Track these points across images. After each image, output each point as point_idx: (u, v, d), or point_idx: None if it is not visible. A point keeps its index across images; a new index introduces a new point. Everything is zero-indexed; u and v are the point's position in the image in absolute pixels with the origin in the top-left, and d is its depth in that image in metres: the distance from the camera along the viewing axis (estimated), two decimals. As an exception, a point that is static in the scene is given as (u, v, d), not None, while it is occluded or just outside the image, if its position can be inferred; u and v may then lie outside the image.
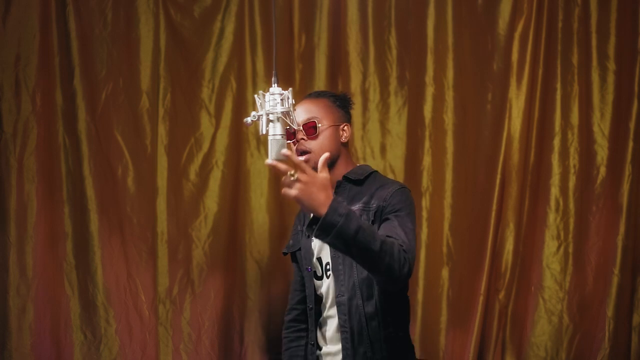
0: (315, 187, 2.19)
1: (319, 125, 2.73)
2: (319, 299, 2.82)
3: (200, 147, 3.92)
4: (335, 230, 2.21)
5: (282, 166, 2.19)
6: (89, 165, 3.79)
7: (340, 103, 2.84)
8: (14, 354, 3.69)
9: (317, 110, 2.78)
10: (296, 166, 2.18)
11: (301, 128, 2.74)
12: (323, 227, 2.21)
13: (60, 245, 3.79)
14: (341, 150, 2.81)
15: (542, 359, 3.81)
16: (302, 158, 2.73)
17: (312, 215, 2.24)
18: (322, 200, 2.20)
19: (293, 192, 2.18)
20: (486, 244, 3.84)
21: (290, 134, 2.75)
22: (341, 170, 2.79)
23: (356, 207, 2.68)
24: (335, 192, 2.75)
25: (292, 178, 2.19)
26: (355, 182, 2.74)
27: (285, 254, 2.99)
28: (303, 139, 2.74)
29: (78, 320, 3.77)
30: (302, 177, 2.18)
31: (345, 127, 2.82)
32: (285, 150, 2.22)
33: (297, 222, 2.94)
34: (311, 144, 2.73)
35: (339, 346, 2.72)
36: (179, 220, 3.88)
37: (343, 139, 2.81)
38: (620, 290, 3.76)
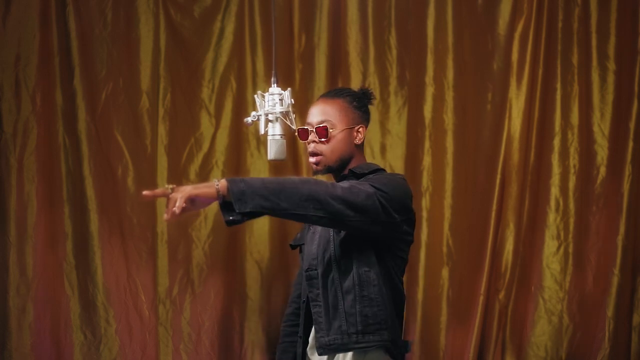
0: (189, 186, 2.29)
1: (331, 130, 2.70)
2: None
3: (200, 147, 3.92)
4: (247, 193, 2.29)
5: (158, 191, 2.27)
6: (89, 165, 3.79)
7: (358, 103, 2.77)
8: (14, 354, 3.70)
9: (332, 112, 2.72)
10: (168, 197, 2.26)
11: (313, 130, 2.71)
12: (236, 198, 2.28)
13: (60, 245, 3.79)
14: (354, 151, 2.76)
15: (542, 359, 3.81)
16: (312, 160, 2.72)
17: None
18: (204, 185, 2.30)
19: (180, 195, 2.25)
20: (486, 244, 3.84)
21: (303, 134, 2.73)
22: None
23: None
24: (337, 182, 2.74)
25: (170, 190, 2.27)
26: (359, 176, 2.72)
27: (292, 246, 2.97)
28: (314, 141, 2.72)
29: (78, 320, 3.77)
30: (176, 188, 2.27)
31: (360, 129, 2.75)
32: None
33: None
34: (322, 148, 2.71)
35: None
36: (179, 220, 3.86)
37: (357, 141, 2.74)
38: (620, 290, 3.76)
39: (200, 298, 3.87)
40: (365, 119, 2.78)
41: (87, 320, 3.78)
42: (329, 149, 2.70)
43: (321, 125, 2.69)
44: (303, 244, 2.85)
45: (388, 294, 2.63)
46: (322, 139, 2.69)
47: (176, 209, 2.24)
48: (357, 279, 2.60)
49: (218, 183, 2.30)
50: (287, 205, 2.36)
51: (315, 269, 2.63)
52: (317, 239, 2.66)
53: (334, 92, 2.81)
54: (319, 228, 2.69)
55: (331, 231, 2.63)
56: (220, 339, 3.89)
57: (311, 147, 2.71)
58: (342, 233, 2.61)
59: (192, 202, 2.28)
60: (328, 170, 2.72)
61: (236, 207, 2.29)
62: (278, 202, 2.34)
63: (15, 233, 3.74)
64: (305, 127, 2.72)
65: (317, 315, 2.63)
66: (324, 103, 2.75)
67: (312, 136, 2.71)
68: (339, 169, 2.72)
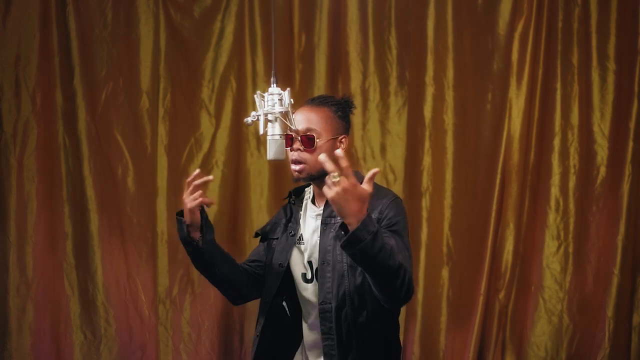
0: (352, 197, 2.19)
1: (318, 140, 2.69)
2: (304, 301, 2.79)
3: (200, 147, 3.92)
4: (361, 245, 2.25)
5: (329, 166, 2.20)
6: (89, 165, 3.79)
7: (342, 113, 2.75)
8: (14, 353, 3.70)
9: (318, 121, 2.70)
10: (342, 170, 2.19)
11: (299, 138, 2.70)
12: (350, 240, 2.24)
13: (60, 245, 3.79)
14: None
15: (542, 359, 3.81)
16: (295, 167, 2.70)
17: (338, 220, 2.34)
18: (355, 211, 2.22)
19: (330, 193, 2.20)
20: (486, 244, 3.84)
21: (288, 140, 2.71)
22: None
23: None
24: (327, 201, 2.73)
25: (334, 180, 2.20)
26: None
27: (257, 235, 2.95)
28: (300, 149, 2.70)
29: (78, 320, 3.78)
30: (344, 182, 2.19)
31: (343, 140, 2.73)
32: (339, 152, 2.21)
33: (282, 214, 2.90)
34: (306, 156, 2.69)
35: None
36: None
37: None
38: (620, 290, 3.76)
39: (200, 298, 3.87)
40: (347, 129, 2.77)
41: (87, 320, 3.79)
42: (313, 159, 2.68)
43: (307, 134, 2.68)
44: (276, 239, 2.84)
45: (395, 318, 2.68)
46: (308, 149, 2.68)
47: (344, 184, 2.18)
48: (372, 314, 2.61)
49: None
50: (372, 276, 2.37)
51: (330, 303, 2.63)
52: (331, 273, 2.64)
53: (319, 100, 2.79)
54: (329, 259, 2.66)
55: (345, 266, 2.62)
56: (220, 339, 3.89)
57: (295, 155, 2.69)
58: (357, 268, 2.61)
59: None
60: (310, 178, 2.71)
61: (343, 243, 2.26)
62: (369, 270, 2.35)
63: (15, 233, 3.74)
64: (291, 134, 2.70)
65: (328, 349, 2.63)
66: (309, 111, 2.73)
67: (297, 144, 2.69)
68: (319, 177, 2.71)
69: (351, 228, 2.23)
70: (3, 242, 3.73)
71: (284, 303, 2.80)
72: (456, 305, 3.89)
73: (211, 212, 3.89)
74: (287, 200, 2.89)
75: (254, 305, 3.88)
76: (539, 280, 3.85)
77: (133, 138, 3.87)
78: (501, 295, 3.86)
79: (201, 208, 2.71)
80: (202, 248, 2.71)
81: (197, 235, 2.72)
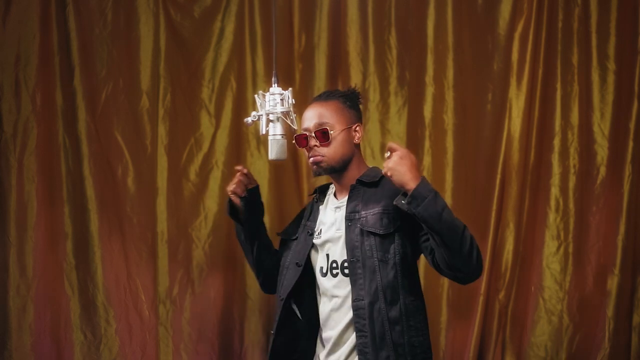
0: (408, 162, 2.45)
1: (332, 131, 2.70)
2: (320, 297, 2.81)
3: (200, 147, 3.92)
4: (425, 202, 2.42)
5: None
6: (89, 165, 3.79)
7: (351, 103, 2.78)
8: (14, 353, 3.70)
9: (329, 114, 2.72)
10: (391, 148, 2.48)
11: (313, 134, 2.72)
12: (415, 196, 2.42)
13: (60, 245, 3.79)
14: (354, 151, 2.77)
15: (542, 359, 3.81)
16: (315, 163, 2.73)
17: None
18: (413, 176, 2.46)
19: (389, 164, 2.46)
20: (486, 244, 3.84)
21: (302, 140, 2.73)
22: (354, 172, 2.76)
23: (376, 211, 2.66)
24: (349, 196, 2.74)
25: (387, 156, 2.48)
26: (370, 185, 2.72)
27: (279, 234, 2.99)
28: (316, 145, 2.72)
29: (78, 320, 3.77)
30: (396, 154, 2.46)
31: (358, 128, 2.76)
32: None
33: (303, 213, 2.94)
34: (324, 151, 2.71)
35: (346, 348, 2.71)
36: (179, 220, 3.88)
37: (356, 140, 2.75)
38: (620, 290, 3.76)
39: (200, 298, 3.87)
40: (359, 118, 2.80)
41: (87, 320, 3.78)
42: (330, 151, 2.71)
43: (320, 128, 2.70)
44: (295, 239, 2.86)
45: (424, 316, 2.74)
46: (324, 142, 2.69)
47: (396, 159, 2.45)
48: (404, 309, 2.62)
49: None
50: (446, 239, 2.48)
51: (363, 300, 2.64)
52: (361, 269, 2.65)
53: (326, 95, 2.81)
54: (359, 256, 2.66)
55: (376, 260, 2.63)
56: (220, 339, 3.89)
57: (312, 151, 2.72)
58: (389, 263, 2.62)
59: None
60: (331, 171, 2.73)
61: (408, 200, 2.45)
62: (439, 231, 2.47)
63: (15, 233, 3.74)
64: (303, 133, 2.72)
65: (362, 346, 2.64)
66: (319, 106, 2.76)
67: (313, 141, 2.71)
68: (341, 169, 2.73)
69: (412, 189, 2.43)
70: (3, 242, 3.73)
71: (293, 305, 2.81)
72: (456, 305, 3.89)
73: (211, 213, 3.89)
74: (311, 198, 2.92)
75: (254, 306, 3.91)
76: (539, 280, 3.85)
77: (133, 138, 3.87)
78: (501, 295, 3.86)
79: (254, 190, 2.93)
80: (242, 225, 2.94)
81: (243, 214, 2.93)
